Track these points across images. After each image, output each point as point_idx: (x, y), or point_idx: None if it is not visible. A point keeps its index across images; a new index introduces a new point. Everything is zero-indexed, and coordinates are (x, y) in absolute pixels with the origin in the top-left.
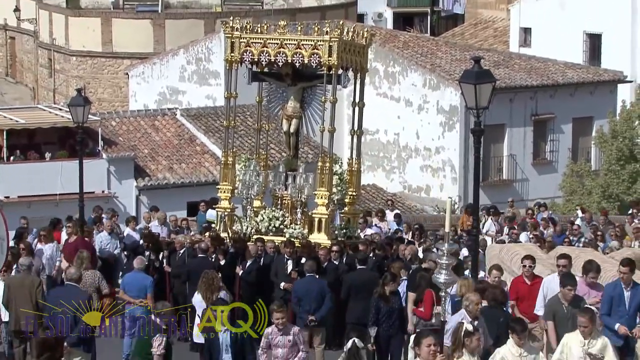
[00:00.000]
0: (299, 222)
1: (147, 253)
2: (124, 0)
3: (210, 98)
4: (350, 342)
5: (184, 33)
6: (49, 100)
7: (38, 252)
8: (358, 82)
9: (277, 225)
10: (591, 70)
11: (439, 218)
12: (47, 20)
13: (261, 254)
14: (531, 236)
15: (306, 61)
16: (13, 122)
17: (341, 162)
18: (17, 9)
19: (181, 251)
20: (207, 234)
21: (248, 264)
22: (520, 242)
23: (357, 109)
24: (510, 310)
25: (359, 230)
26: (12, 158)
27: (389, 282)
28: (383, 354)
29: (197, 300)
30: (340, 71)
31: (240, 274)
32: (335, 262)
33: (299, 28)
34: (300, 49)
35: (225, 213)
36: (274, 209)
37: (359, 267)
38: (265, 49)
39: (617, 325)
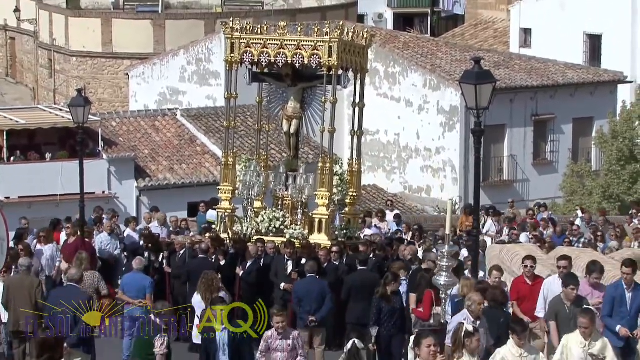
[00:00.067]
0: (299, 223)
1: (146, 254)
2: (124, 1)
3: (210, 98)
4: (351, 342)
5: (185, 34)
6: (49, 100)
7: (37, 253)
8: (358, 82)
9: (277, 226)
10: (591, 70)
11: (439, 219)
12: (47, 20)
13: (261, 255)
14: (531, 237)
15: (306, 62)
16: (13, 123)
17: (341, 163)
18: (17, 10)
19: (181, 252)
20: (207, 234)
21: (248, 264)
22: (521, 242)
23: (357, 109)
24: (510, 311)
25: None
26: (12, 158)
27: (391, 282)
28: (384, 354)
29: (197, 301)
30: (340, 72)
31: (240, 274)
32: (335, 262)
33: (299, 29)
34: (300, 49)
35: (226, 214)
36: (274, 209)
37: (359, 267)
38: (265, 49)
39: (618, 327)
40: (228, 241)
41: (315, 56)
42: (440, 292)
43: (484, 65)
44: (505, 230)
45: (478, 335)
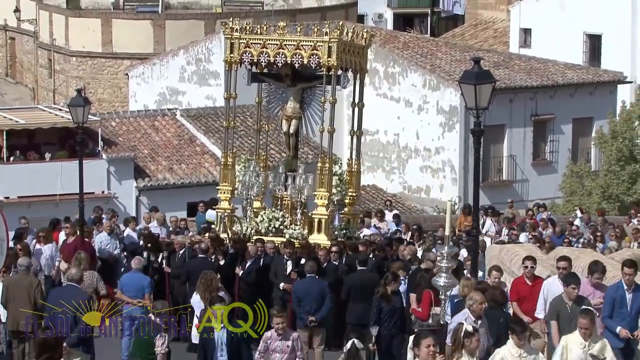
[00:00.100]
0: (298, 223)
1: (145, 254)
2: (124, 1)
3: (210, 98)
4: (350, 343)
5: (184, 34)
6: (49, 100)
7: (37, 253)
8: (357, 82)
9: (276, 226)
10: (591, 71)
11: (438, 219)
12: (47, 20)
13: (261, 255)
14: (530, 237)
15: (305, 62)
16: (13, 123)
17: (341, 163)
18: (17, 10)
19: (181, 252)
20: (206, 234)
21: (248, 264)
22: (521, 242)
23: (356, 109)
24: (510, 311)
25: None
26: (12, 158)
27: (391, 282)
28: (384, 353)
29: (196, 300)
30: (339, 72)
31: (240, 274)
32: (334, 262)
33: (299, 29)
34: (300, 49)
35: (225, 214)
36: (273, 209)
37: (359, 268)
38: (264, 49)
39: (618, 328)
40: (227, 241)
41: (314, 56)
42: (440, 293)
43: (483, 66)
44: (505, 231)
45: (477, 336)
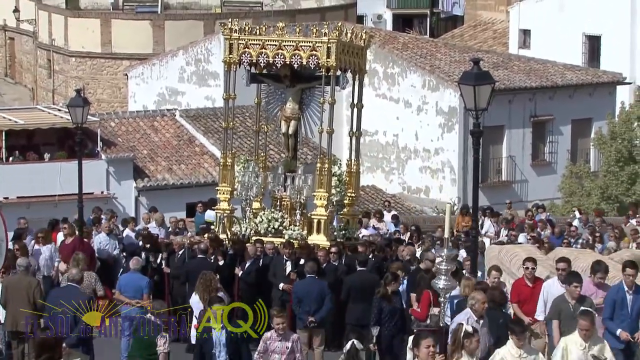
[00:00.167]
0: (298, 224)
1: (143, 254)
2: (123, 1)
3: (209, 99)
4: (349, 343)
5: (184, 34)
6: (48, 100)
7: (35, 253)
8: (357, 83)
9: (276, 226)
10: (590, 72)
11: (438, 219)
12: (46, 21)
13: (260, 255)
14: (529, 237)
15: (304, 62)
16: (12, 123)
17: (340, 164)
18: (16, 10)
19: (180, 252)
20: (205, 235)
21: (247, 265)
22: (521, 243)
23: (355, 110)
24: (510, 312)
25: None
26: (11, 159)
27: (391, 282)
28: (385, 353)
29: (195, 301)
30: (338, 73)
31: (239, 275)
32: (334, 263)
33: (298, 29)
34: (299, 50)
35: (225, 214)
36: (273, 210)
37: (358, 268)
38: (263, 50)
39: (619, 331)
40: (227, 242)
41: (313, 57)
42: (440, 296)
43: (482, 66)
44: (503, 232)
45: (477, 336)
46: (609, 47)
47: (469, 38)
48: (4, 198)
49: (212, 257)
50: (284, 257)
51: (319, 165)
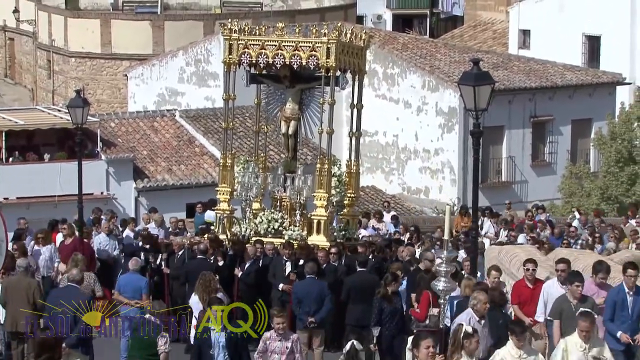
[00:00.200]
0: (297, 224)
1: (143, 255)
2: (123, 2)
3: (209, 99)
4: (349, 344)
5: (183, 34)
6: (48, 101)
7: (35, 254)
8: (356, 83)
9: (276, 227)
10: (590, 72)
11: (438, 220)
12: (46, 21)
13: (260, 256)
14: (528, 238)
15: (304, 63)
16: (12, 123)
17: (340, 164)
18: (16, 10)
19: (180, 253)
20: (205, 235)
21: (247, 265)
22: (520, 243)
23: (355, 110)
24: (511, 313)
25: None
26: (11, 159)
27: (391, 283)
28: (385, 354)
29: (194, 301)
30: (338, 73)
31: (239, 275)
32: (334, 263)
33: (297, 30)
34: (298, 50)
35: (224, 215)
36: (272, 210)
37: (358, 269)
38: (263, 50)
39: (619, 333)
40: (227, 242)
41: (313, 57)
42: (439, 297)
43: (482, 67)
44: (504, 233)
45: (477, 337)
46: (608, 48)
47: (468, 38)
48: (4, 198)
49: (211, 258)
50: (284, 257)
51: (318, 165)
